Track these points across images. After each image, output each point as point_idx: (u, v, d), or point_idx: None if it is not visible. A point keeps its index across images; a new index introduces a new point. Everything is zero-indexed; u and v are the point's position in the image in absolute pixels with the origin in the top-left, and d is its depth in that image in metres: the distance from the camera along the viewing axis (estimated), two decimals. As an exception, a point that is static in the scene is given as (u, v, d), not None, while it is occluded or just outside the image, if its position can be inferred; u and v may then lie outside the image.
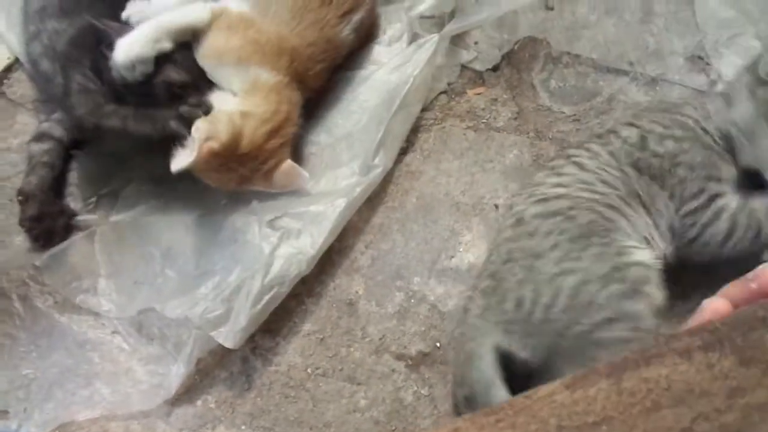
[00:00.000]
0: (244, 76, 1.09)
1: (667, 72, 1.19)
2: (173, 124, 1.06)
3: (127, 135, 1.11)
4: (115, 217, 1.17)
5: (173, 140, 1.05)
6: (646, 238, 0.88)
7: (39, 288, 1.11)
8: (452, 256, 1.07)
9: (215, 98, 1.09)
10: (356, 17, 1.22)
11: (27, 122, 1.29)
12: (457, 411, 0.91)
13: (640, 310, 0.80)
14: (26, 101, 1.33)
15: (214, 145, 1.02)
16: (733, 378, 0.44)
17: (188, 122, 1.06)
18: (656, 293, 0.81)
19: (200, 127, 1.03)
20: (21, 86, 1.35)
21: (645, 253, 0.85)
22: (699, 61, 1.20)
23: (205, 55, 1.09)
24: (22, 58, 1.30)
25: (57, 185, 1.19)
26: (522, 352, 0.82)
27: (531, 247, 0.86)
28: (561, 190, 0.92)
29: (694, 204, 0.90)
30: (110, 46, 1.07)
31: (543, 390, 0.42)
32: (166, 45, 1.07)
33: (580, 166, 0.94)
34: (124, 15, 1.15)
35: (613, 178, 0.91)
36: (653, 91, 1.18)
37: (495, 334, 0.84)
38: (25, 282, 1.11)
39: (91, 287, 1.10)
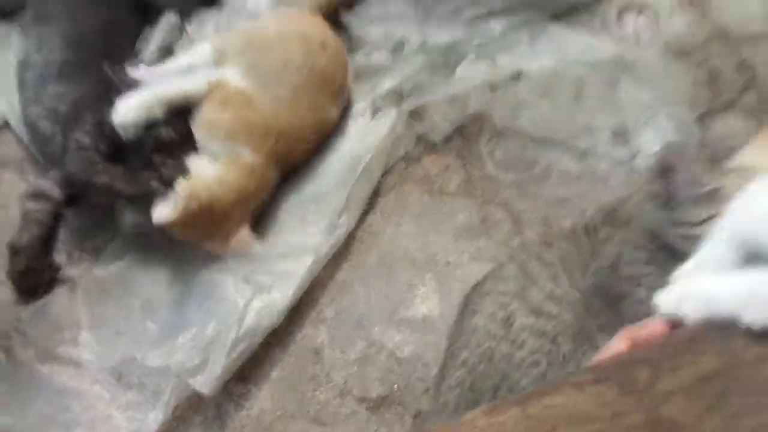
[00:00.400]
0: (229, 151, 1.21)
1: (596, 145, 1.37)
2: (154, 185, 1.17)
3: (114, 192, 1.21)
4: (98, 271, 1.25)
5: (154, 199, 1.16)
6: None
7: (21, 339, 1.18)
8: (409, 308, 1.19)
9: (194, 162, 1.21)
10: (342, 98, 1.38)
11: (13, 181, 1.38)
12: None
13: None
14: (12, 161, 1.43)
15: (193, 205, 1.14)
16: (616, 405, 0.57)
17: (168, 183, 1.17)
18: None
19: (184, 186, 1.14)
20: (7, 147, 1.44)
21: None
22: (622, 136, 1.38)
23: (199, 125, 1.23)
24: (14, 121, 1.40)
25: (47, 242, 1.27)
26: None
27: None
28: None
29: None
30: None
31: (468, 416, 0.54)
32: (160, 113, 1.19)
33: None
34: (138, 75, 1.27)
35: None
36: (584, 162, 1.36)
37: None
38: (8, 334, 1.18)
39: (72, 338, 1.18)
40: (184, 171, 1.19)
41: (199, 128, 1.23)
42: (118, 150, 1.23)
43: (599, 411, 0.56)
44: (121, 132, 1.19)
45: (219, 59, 1.30)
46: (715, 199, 0.87)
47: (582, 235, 1.03)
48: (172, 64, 1.35)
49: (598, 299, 0.96)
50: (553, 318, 0.95)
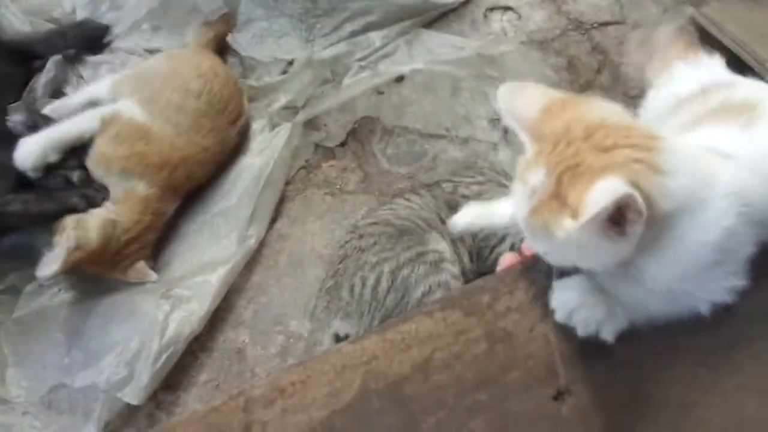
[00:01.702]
0: (124, 185, 1.27)
1: (476, 133, 1.52)
2: (75, 200, 1.22)
3: (29, 217, 1.25)
4: (18, 313, 1.28)
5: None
6: (456, 255, 1.15)
7: (-53, 385, 1.20)
8: (321, 299, 1.29)
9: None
10: (241, 120, 1.47)
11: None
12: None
13: (446, 279, 1.06)
14: None
15: (80, 254, 1.18)
16: (459, 324, 0.69)
17: (90, 201, 1.22)
18: (452, 268, 1.09)
19: (70, 235, 1.17)
20: None
21: (441, 244, 1.12)
22: (497, 122, 1.54)
23: (93, 159, 1.28)
24: None
25: None
26: (361, 331, 1.06)
27: (359, 246, 1.12)
28: (388, 212, 1.19)
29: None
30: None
31: (335, 346, 0.65)
32: (55, 157, 1.25)
33: (408, 200, 1.21)
34: (46, 111, 1.32)
35: (430, 211, 1.18)
36: (467, 149, 1.50)
37: (334, 323, 1.07)
38: (-68, 381, 1.20)
39: (-2, 377, 1.21)
40: (106, 195, 1.25)
41: (93, 162, 1.28)
42: (28, 183, 1.27)
43: (445, 330, 0.68)
44: (28, 174, 1.25)
45: (116, 92, 1.37)
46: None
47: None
48: (73, 98, 1.41)
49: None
50: None
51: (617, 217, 0.55)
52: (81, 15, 1.67)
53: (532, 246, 0.66)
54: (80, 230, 1.19)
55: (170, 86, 1.37)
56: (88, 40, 1.63)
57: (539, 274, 0.74)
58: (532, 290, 0.74)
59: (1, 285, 1.32)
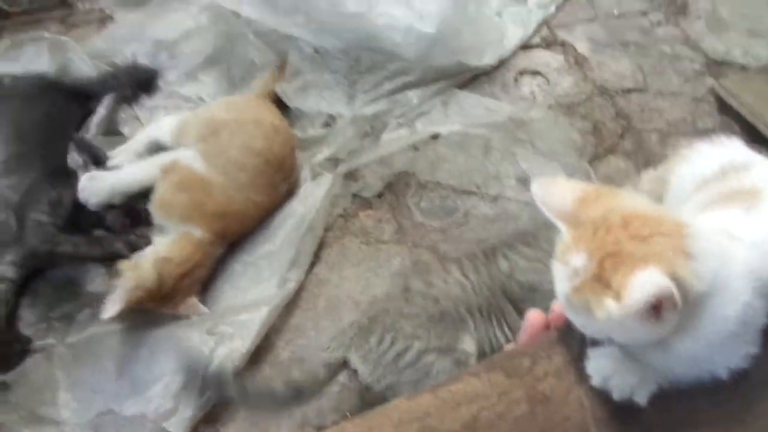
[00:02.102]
0: (181, 228, 1.37)
1: (505, 191, 1.62)
2: (119, 247, 1.31)
3: (77, 259, 1.35)
4: (71, 339, 1.37)
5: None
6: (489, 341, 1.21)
7: (5, 408, 1.27)
8: (356, 344, 1.37)
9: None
10: (293, 178, 1.55)
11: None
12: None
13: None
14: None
15: (140, 293, 1.28)
16: (503, 386, 0.77)
17: (133, 248, 1.31)
18: (470, 348, 1.16)
19: (128, 276, 1.26)
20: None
21: (472, 346, 1.17)
22: (525, 182, 1.63)
23: (156, 204, 1.39)
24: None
25: (10, 317, 1.39)
26: (367, 377, 1.14)
27: (401, 310, 1.17)
28: (441, 285, 1.21)
29: None
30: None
31: (392, 403, 0.73)
32: (119, 200, 1.36)
33: (465, 276, 1.22)
34: (111, 161, 1.43)
35: (481, 296, 1.20)
36: (496, 206, 1.59)
37: (351, 354, 1.15)
38: (-10, 403, 1.28)
39: (51, 400, 1.29)
40: (147, 240, 1.35)
41: (156, 207, 1.39)
42: (74, 223, 1.38)
43: (490, 391, 0.76)
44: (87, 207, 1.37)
45: (180, 137, 1.47)
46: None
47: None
48: (135, 141, 1.52)
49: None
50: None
51: (655, 304, 0.63)
52: (141, 61, 1.81)
53: (572, 320, 0.75)
54: (137, 271, 1.28)
55: (235, 143, 1.46)
56: (139, 82, 1.76)
57: (574, 342, 0.82)
58: (568, 356, 0.82)
59: (56, 313, 1.41)
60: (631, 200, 0.72)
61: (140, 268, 1.30)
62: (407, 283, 1.23)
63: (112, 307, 1.23)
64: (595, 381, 0.73)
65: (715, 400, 0.76)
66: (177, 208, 1.37)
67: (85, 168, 1.49)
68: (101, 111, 1.68)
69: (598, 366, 0.74)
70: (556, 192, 0.74)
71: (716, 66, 1.97)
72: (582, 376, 0.79)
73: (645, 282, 0.61)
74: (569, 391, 0.79)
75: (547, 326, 0.89)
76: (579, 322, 0.72)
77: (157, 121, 1.60)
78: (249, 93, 1.68)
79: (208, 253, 1.40)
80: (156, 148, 1.51)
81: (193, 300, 1.36)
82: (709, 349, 0.67)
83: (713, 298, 0.65)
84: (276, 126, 1.54)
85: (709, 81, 1.91)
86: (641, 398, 0.70)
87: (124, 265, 1.30)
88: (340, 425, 0.71)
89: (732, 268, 0.66)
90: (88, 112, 1.69)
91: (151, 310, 1.36)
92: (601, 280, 0.64)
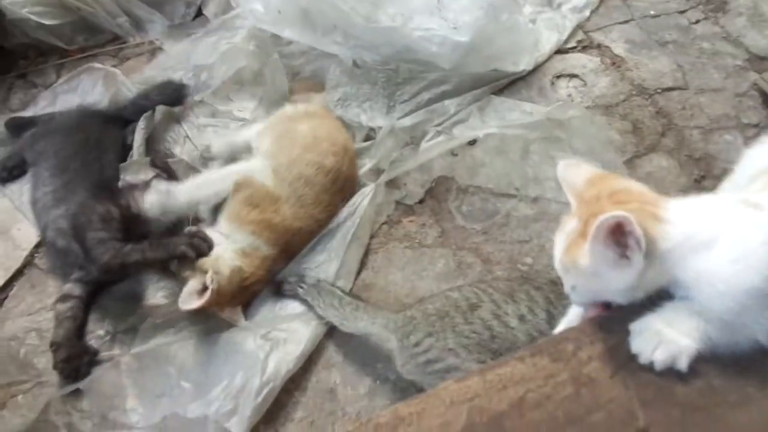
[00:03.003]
0: (250, 243, 1.44)
1: (545, 192, 1.63)
2: (184, 248, 1.38)
3: (146, 264, 1.43)
4: (136, 349, 1.45)
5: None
6: None
7: (79, 415, 1.36)
8: (404, 345, 1.40)
9: (217, 245, 1.43)
10: (351, 195, 1.58)
11: (57, 285, 1.60)
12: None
13: None
14: (52, 269, 1.65)
15: (216, 296, 1.35)
16: (548, 369, 0.80)
17: (196, 249, 1.38)
18: None
19: (213, 278, 1.34)
20: (48, 258, 1.67)
21: None
22: (565, 182, 1.64)
23: (227, 217, 1.47)
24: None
25: (80, 331, 1.48)
26: (398, 367, 1.22)
27: (454, 326, 1.19)
28: (499, 315, 1.17)
29: None
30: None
31: (443, 384, 0.76)
32: (191, 209, 1.45)
33: (531, 309, 1.16)
34: (212, 150, 1.59)
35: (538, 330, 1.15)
36: (536, 207, 1.61)
37: (392, 340, 1.23)
38: (68, 412, 1.36)
39: (120, 405, 1.36)
40: (210, 243, 1.41)
41: (229, 221, 1.46)
42: (129, 229, 1.46)
43: (536, 374, 0.79)
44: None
45: (259, 144, 1.56)
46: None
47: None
48: (231, 137, 1.66)
49: None
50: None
51: (622, 243, 0.73)
52: (188, 83, 1.91)
53: (566, 286, 0.84)
54: (218, 275, 1.35)
55: (306, 158, 1.51)
56: (170, 98, 1.86)
57: (616, 326, 0.84)
58: (611, 341, 0.84)
59: (121, 326, 1.50)
60: (625, 182, 0.87)
61: (220, 273, 1.36)
62: (471, 302, 1.21)
63: (191, 302, 1.31)
64: (641, 358, 0.79)
65: (764, 384, 0.77)
66: (249, 224, 1.44)
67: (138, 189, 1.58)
68: (140, 130, 1.77)
69: (641, 342, 0.80)
70: (574, 173, 0.91)
71: (759, 61, 1.95)
72: (625, 360, 0.81)
73: (606, 216, 0.72)
74: (613, 373, 0.81)
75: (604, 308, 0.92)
76: (570, 282, 0.83)
77: (248, 126, 1.70)
78: (320, 106, 1.73)
79: (271, 269, 1.46)
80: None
81: (239, 312, 1.44)
82: (734, 307, 0.72)
83: (699, 254, 0.73)
84: (346, 146, 1.58)
85: (753, 76, 1.89)
86: (683, 365, 0.77)
87: (206, 263, 1.36)
88: (394, 407, 0.75)
89: (726, 229, 0.75)
90: (126, 136, 1.79)
91: (207, 319, 1.43)
92: (583, 235, 0.77)
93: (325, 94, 1.79)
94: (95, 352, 1.46)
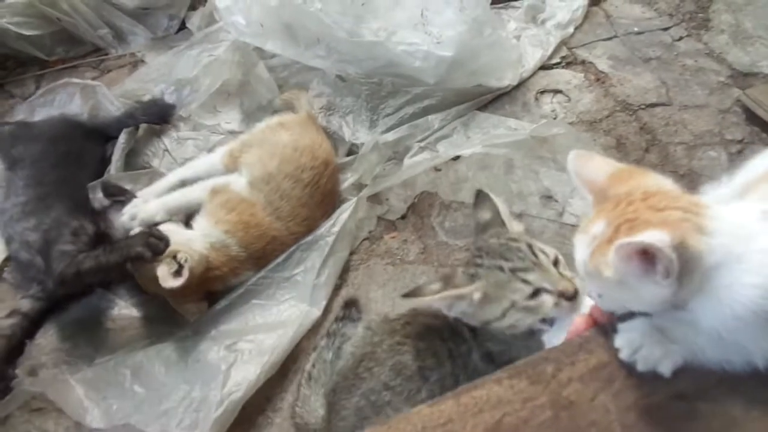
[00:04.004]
0: (222, 240, 1.42)
1: (528, 209, 1.61)
2: (140, 249, 1.32)
3: (103, 270, 1.35)
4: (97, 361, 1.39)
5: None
6: None
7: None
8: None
9: (187, 233, 1.43)
10: (332, 209, 1.55)
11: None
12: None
13: None
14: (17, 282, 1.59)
15: (190, 277, 1.31)
16: (526, 392, 0.76)
17: (152, 249, 1.32)
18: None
19: (188, 258, 1.31)
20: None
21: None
22: (549, 200, 1.62)
23: (204, 215, 1.45)
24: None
25: (13, 351, 1.41)
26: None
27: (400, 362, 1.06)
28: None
29: None
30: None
31: (415, 409, 0.73)
32: (161, 218, 1.43)
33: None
34: (123, 217, 1.49)
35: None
36: (520, 223, 1.58)
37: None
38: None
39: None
40: (167, 242, 1.35)
41: (204, 217, 1.45)
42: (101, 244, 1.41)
43: (514, 397, 0.75)
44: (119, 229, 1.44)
45: (230, 163, 1.53)
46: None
47: None
48: (189, 165, 1.60)
49: None
50: None
51: (646, 253, 0.66)
52: (169, 98, 1.88)
53: (589, 291, 0.77)
54: (192, 254, 1.33)
55: (285, 171, 1.49)
56: (157, 117, 1.83)
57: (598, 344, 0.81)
58: (592, 361, 0.81)
59: (74, 354, 1.43)
60: (654, 179, 0.79)
61: (190, 255, 1.33)
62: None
63: (174, 280, 1.28)
64: (623, 353, 0.76)
65: (750, 407, 0.74)
66: (225, 223, 1.43)
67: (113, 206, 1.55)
68: (120, 146, 1.74)
69: (627, 339, 0.77)
70: (592, 166, 0.82)
71: (743, 77, 1.95)
72: (607, 382, 0.78)
73: (626, 242, 0.65)
74: (594, 396, 0.78)
75: (589, 324, 0.88)
76: (595, 290, 0.77)
77: (206, 156, 1.66)
78: (302, 114, 1.70)
79: (238, 271, 1.44)
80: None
81: (204, 305, 1.43)
82: (735, 326, 0.67)
83: (727, 270, 0.67)
84: (327, 159, 1.55)
85: (736, 92, 1.89)
86: (665, 370, 0.73)
87: (177, 247, 1.34)
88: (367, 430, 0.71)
89: (755, 245, 0.68)
90: (106, 152, 1.75)
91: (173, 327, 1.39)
92: (612, 242, 0.69)
93: (305, 96, 1.77)
94: (12, 378, 1.37)
